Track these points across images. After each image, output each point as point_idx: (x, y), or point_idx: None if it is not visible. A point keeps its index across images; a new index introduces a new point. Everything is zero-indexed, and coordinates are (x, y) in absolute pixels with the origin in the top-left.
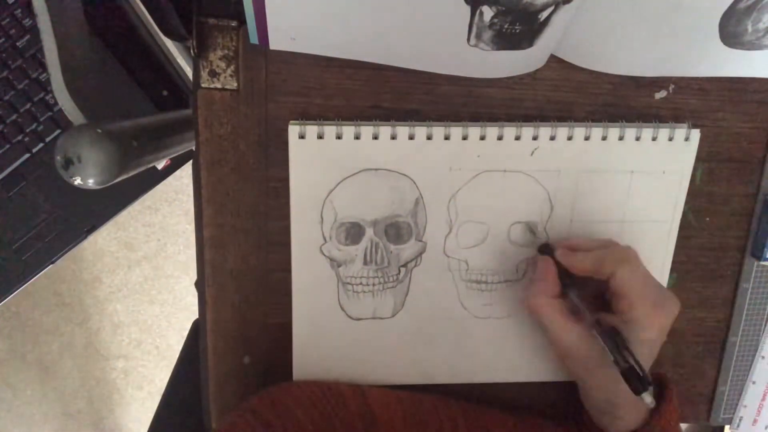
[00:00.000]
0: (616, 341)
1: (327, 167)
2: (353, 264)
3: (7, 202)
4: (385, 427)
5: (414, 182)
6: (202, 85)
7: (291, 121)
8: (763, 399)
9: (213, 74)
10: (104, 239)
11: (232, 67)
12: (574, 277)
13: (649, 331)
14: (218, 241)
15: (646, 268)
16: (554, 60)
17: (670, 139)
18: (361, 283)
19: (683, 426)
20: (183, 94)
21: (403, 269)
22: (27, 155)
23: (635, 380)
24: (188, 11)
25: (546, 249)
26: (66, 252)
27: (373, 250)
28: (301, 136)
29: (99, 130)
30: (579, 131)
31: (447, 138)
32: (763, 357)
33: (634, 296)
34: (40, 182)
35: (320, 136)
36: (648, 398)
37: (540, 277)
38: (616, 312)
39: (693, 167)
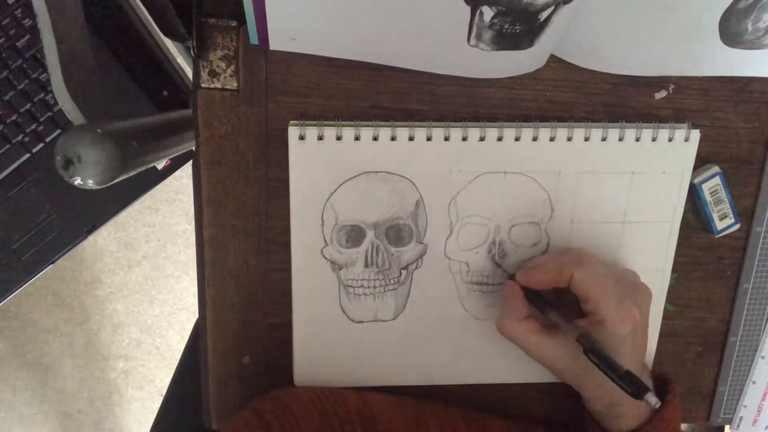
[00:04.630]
0: (599, 353)
1: (327, 170)
2: (354, 267)
3: (7, 202)
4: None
5: (414, 184)
6: (202, 85)
7: (291, 122)
8: (763, 399)
9: (213, 74)
10: (104, 239)
11: (232, 67)
12: (550, 298)
13: (621, 327)
14: (218, 241)
15: (605, 265)
16: (554, 60)
17: (670, 140)
18: (362, 286)
19: (683, 426)
20: (183, 94)
21: (404, 271)
22: (27, 155)
23: (632, 386)
24: (188, 11)
25: (513, 277)
26: (66, 252)
27: (374, 252)
28: (301, 138)
29: (99, 130)
30: (578, 132)
31: (447, 139)
32: (763, 357)
33: (595, 295)
34: (40, 182)
35: (320, 138)
36: (652, 399)
37: (507, 301)
38: (586, 316)
39: (693, 167)
